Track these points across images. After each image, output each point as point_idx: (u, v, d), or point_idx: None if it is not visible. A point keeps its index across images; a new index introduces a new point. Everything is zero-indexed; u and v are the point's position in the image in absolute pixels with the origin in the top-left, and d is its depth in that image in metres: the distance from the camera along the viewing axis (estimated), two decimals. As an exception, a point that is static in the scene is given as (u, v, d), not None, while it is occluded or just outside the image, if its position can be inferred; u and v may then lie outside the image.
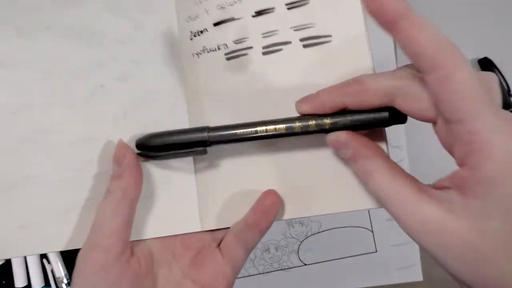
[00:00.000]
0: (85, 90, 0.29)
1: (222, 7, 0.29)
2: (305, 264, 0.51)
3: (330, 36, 0.28)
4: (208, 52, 0.30)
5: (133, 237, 0.28)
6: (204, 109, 0.30)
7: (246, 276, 0.51)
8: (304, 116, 0.25)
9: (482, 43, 0.52)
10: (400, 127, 0.51)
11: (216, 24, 0.30)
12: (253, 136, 0.26)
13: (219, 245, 0.29)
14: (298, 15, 0.28)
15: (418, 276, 0.51)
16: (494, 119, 0.19)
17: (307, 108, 0.25)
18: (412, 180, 0.22)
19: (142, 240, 0.29)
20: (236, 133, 0.26)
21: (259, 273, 0.51)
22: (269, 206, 0.27)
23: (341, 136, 0.24)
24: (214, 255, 0.29)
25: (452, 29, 0.52)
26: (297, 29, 0.28)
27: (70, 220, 0.28)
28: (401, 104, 0.23)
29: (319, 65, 0.28)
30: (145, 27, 0.31)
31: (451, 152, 0.22)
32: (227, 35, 0.29)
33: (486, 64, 0.51)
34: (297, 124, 0.25)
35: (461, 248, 0.20)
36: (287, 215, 0.28)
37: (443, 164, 0.56)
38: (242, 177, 0.29)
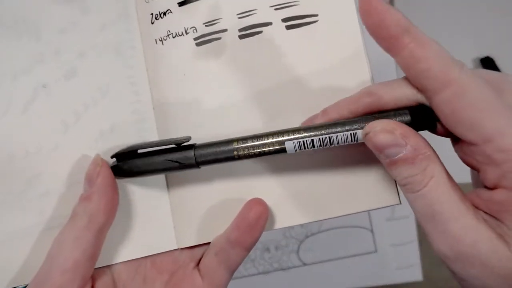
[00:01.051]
0: (24, 92, 0.25)
1: None
2: (305, 264, 0.51)
3: (316, 15, 0.24)
4: (173, 37, 0.25)
5: (97, 264, 0.23)
6: (173, 108, 0.25)
7: (246, 276, 0.51)
8: (296, 129, 0.22)
9: (484, 42, 0.52)
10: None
11: (181, 4, 0.25)
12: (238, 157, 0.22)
13: (198, 264, 0.25)
14: None
15: (418, 276, 0.51)
16: None
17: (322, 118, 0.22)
18: (467, 198, 0.19)
19: (107, 268, 0.25)
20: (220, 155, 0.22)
21: (259, 273, 0.51)
22: (255, 219, 0.23)
23: (396, 129, 0.19)
24: (192, 278, 0.24)
25: (453, 28, 0.52)
26: (279, 7, 0.24)
27: (15, 251, 0.24)
28: (437, 104, 0.19)
29: (304, 50, 0.24)
30: (92, 10, 0.25)
31: (478, 173, 0.19)
32: (196, 17, 0.25)
33: (488, 63, 0.51)
34: (288, 136, 0.21)
35: (507, 280, 0.18)
36: (277, 225, 0.24)
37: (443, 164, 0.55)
38: (221, 184, 0.25)
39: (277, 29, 0.24)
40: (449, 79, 0.18)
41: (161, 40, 0.25)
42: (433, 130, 0.21)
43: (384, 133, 0.19)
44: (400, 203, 0.24)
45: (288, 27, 0.24)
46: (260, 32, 0.24)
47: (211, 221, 0.25)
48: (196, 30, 0.25)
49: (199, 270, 0.25)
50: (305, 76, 0.24)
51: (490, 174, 0.18)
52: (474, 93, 0.17)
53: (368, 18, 0.19)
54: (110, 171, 0.23)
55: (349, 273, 0.51)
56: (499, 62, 0.50)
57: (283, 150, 0.21)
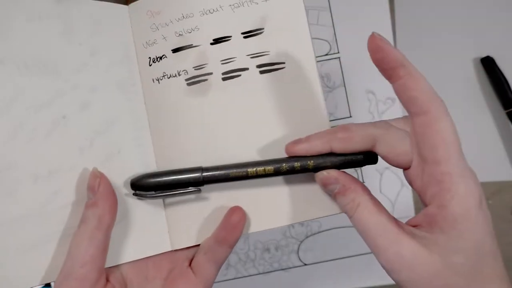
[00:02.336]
0: (46, 122, 0.28)
1: (180, 34, 0.30)
2: (305, 264, 0.51)
3: (284, 63, 0.30)
4: (168, 77, 0.30)
5: (107, 264, 0.28)
6: (167, 137, 0.31)
7: (246, 276, 0.51)
8: (289, 158, 0.27)
9: (484, 42, 0.52)
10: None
11: (175, 51, 0.31)
12: (244, 176, 0.27)
13: (190, 263, 0.30)
14: (254, 44, 0.30)
15: (418, 276, 0.51)
16: (463, 164, 0.23)
17: (298, 150, 0.27)
18: (392, 217, 0.25)
19: (116, 266, 0.29)
20: (229, 174, 0.28)
21: (259, 273, 0.51)
22: (237, 221, 0.29)
23: (331, 173, 0.26)
24: (187, 274, 0.30)
25: (454, 28, 0.52)
26: (253, 56, 0.30)
27: (44, 254, 0.28)
28: (379, 149, 0.26)
29: (274, 90, 0.30)
30: (100, 53, 0.30)
31: (421, 193, 0.25)
32: (187, 61, 0.30)
33: (488, 63, 0.51)
34: (284, 166, 0.27)
35: (431, 281, 0.22)
36: (252, 229, 0.30)
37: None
38: (208, 196, 0.30)
39: (253, 73, 0.30)
40: (429, 109, 0.24)
41: (158, 80, 0.31)
42: (375, 163, 0.27)
43: (325, 175, 0.26)
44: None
45: (261, 72, 0.30)
46: (239, 75, 0.30)
47: (199, 226, 0.30)
48: (187, 72, 0.30)
49: (191, 268, 0.30)
50: (273, 111, 0.29)
51: (428, 193, 0.24)
52: (442, 124, 0.24)
53: (375, 54, 0.25)
54: (108, 180, 0.28)
55: (349, 273, 0.51)
56: (499, 62, 0.50)
57: (261, 175, 0.28)
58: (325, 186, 0.27)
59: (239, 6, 0.30)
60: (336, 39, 0.52)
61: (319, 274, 0.51)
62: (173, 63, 0.30)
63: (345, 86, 0.52)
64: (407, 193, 0.49)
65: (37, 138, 0.28)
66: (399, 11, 0.52)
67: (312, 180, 0.29)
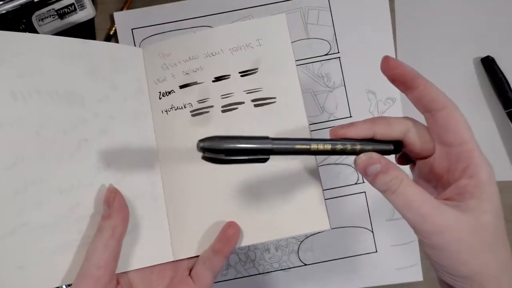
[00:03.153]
0: (71, 144, 0.33)
1: (186, 73, 0.36)
2: (305, 264, 0.51)
3: (275, 98, 0.35)
4: (175, 109, 0.35)
5: (117, 271, 0.32)
6: (174, 159, 0.35)
7: (246, 276, 0.51)
8: (343, 140, 0.30)
9: (484, 42, 0.52)
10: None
11: (182, 87, 0.35)
12: (306, 151, 0.29)
13: (190, 272, 0.34)
14: (249, 81, 0.35)
15: (418, 276, 0.51)
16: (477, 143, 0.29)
17: (346, 132, 0.30)
18: (427, 192, 0.27)
19: (124, 272, 0.33)
20: (294, 146, 0.29)
21: (259, 273, 0.51)
22: (232, 235, 0.33)
23: (373, 155, 0.29)
24: (187, 282, 0.34)
25: (454, 28, 0.52)
26: (249, 92, 0.35)
27: (65, 258, 0.31)
28: (411, 138, 0.29)
29: (266, 121, 0.35)
30: (119, 87, 0.35)
31: (448, 173, 0.29)
32: (191, 96, 0.35)
33: (488, 63, 0.51)
34: (338, 146, 0.30)
35: (468, 239, 0.25)
36: (245, 242, 0.34)
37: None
38: (207, 212, 0.35)
39: (248, 106, 0.35)
40: (447, 104, 0.28)
41: (166, 111, 0.36)
42: (400, 152, 0.31)
43: (368, 156, 0.29)
44: (331, 229, 0.36)
45: (255, 105, 0.35)
46: (236, 108, 0.35)
47: (199, 239, 0.34)
48: (191, 105, 0.35)
49: (191, 276, 0.34)
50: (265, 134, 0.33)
51: (458, 169, 0.28)
52: (458, 114, 0.28)
53: (392, 70, 0.30)
54: (122, 195, 0.32)
55: (349, 273, 0.51)
56: (499, 62, 0.50)
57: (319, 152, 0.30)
58: (367, 167, 0.28)
59: (237, 50, 0.35)
60: (336, 39, 0.52)
61: (319, 274, 0.51)
62: (180, 97, 0.35)
63: (345, 86, 0.52)
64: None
65: (63, 157, 0.32)
66: (399, 11, 0.52)
67: (303, 197, 0.34)
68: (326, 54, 0.52)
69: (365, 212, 0.51)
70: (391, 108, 0.51)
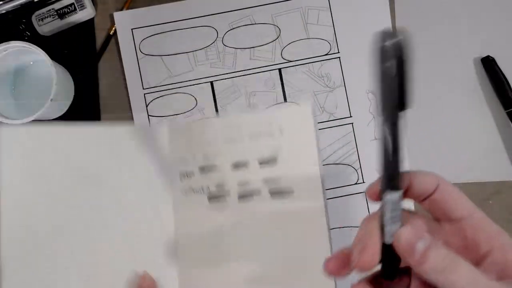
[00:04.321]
0: (96, 226, 0.34)
1: (206, 156, 0.35)
2: (305, 264, 0.51)
3: (293, 191, 0.34)
4: (194, 192, 0.35)
5: None
6: (191, 243, 0.35)
7: (246, 276, 0.51)
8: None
9: (484, 42, 0.52)
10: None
11: (201, 169, 0.35)
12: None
13: None
14: (268, 170, 0.34)
15: (418, 276, 0.50)
16: None
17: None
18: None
19: None
20: None
21: (259, 273, 0.51)
22: None
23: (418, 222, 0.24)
24: None
25: (454, 28, 0.52)
26: (266, 181, 0.34)
27: None
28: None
29: (283, 214, 0.34)
30: (144, 168, 0.36)
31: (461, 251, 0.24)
32: (210, 180, 0.35)
33: (488, 63, 0.51)
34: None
35: None
36: None
37: (442, 164, 0.56)
38: (217, 275, 0.35)
39: (265, 197, 0.34)
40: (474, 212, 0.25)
41: (185, 192, 0.36)
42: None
43: (411, 229, 0.22)
44: None
45: (272, 196, 0.34)
46: (253, 197, 0.34)
47: None
48: (209, 190, 0.35)
49: None
50: (279, 235, 0.33)
51: (479, 242, 0.24)
52: (454, 189, 0.25)
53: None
54: (153, 281, 0.34)
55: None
56: (499, 62, 0.50)
57: None
58: (413, 246, 0.22)
59: (257, 137, 0.35)
60: (336, 39, 0.52)
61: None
62: (199, 180, 0.35)
63: (345, 86, 0.52)
64: (407, 193, 0.49)
65: (80, 232, 0.34)
66: (399, 11, 0.52)
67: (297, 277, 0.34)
68: (326, 54, 0.52)
69: (365, 212, 0.51)
70: (391, 108, 0.51)
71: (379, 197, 0.24)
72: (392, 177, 0.22)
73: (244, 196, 0.34)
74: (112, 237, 0.34)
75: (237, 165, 0.35)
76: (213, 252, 0.35)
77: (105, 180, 0.35)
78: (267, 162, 0.34)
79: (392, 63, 0.18)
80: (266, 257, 0.34)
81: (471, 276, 0.21)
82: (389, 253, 0.23)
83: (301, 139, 0.34)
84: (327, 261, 0.26)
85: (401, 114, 0.20)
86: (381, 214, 0.23)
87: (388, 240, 0.23)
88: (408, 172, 0.24)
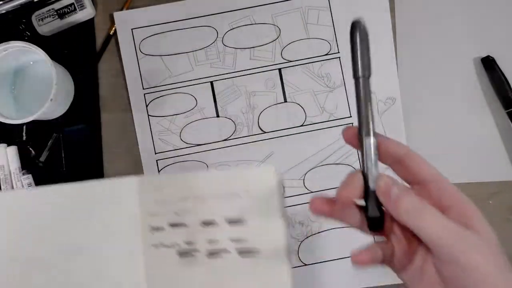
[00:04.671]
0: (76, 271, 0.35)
1: (176, 213, 0.36)
2: (305, 264, 0.51)
3: (259, 250, 0.34)
4: (164, 247, 0.36)
5: None
6: None
7: (246, 276, 0.51)
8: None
9: (484, 42, 0.52)
10: (400, 126, 0.51)
11: (171, 225, 0.36)
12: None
13: None
14: (236, 230, 0.35)
15: (418, 276, 0.50)
16: None
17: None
18: None
19: None
20: None
21: (259, 273, 0.51)
22: None
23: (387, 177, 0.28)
24: None
25: (454, 28, 0.52)
26: (234, 241, 0.35)
27: None
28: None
29: (251, 274, 0.35)
30: (115, 226, 0.36)
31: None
32: (179, 237, 0.36)
33: (488, 63, 0.51)
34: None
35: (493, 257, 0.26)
36: None
37: (443, 164, 0.56)
38: None
39: (233, 256, 0.35)
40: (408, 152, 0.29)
41: (156, 247, 0.36)
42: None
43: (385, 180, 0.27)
44: None
45: (241, 256, 0.35)
46: (222, 256, 0.35)
47: None
48: (179, 246, 0.36)
49: None
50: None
51: (443, 202, 0.27)
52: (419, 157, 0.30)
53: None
54: None
55: (349, 273, 0.51)
56: (499, 62, 0.50)
57: None
58: (388, 189, 0.28)
59: (225, 198, 0.36)
60: (336, 39, 0.52)
61: (319, 274, 0.51)
62: (169, 235, 0.36)
63: (345, 86, 0.52)
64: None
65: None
66: (399, 11, 0.52)
67: None
68: (326, 54, 0.52)
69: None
70: (391, 108, 0.51)
71: (355, 141, 0.28)
72: (368, 124, 0.27)
73: (213, 253, 0.35)
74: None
75: (206, 223, 0.36)
76: None
77: (79, 248, 0.36)
78: (234, 221, 0.35)
79: (361, 36, 0.27)
80: None
81: (440, 220, 0.25)
82: (372, 200, 0.28)
83: (267, 201, 0.35)
84: (312, 200, 0.30)
85: (369, 75, 0.27)
86: (363, 158, 0.28)
87: (371, 185, 0.27)
88: (382, 136, 0.28)
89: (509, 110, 0.50)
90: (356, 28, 0.27)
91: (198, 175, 0.37)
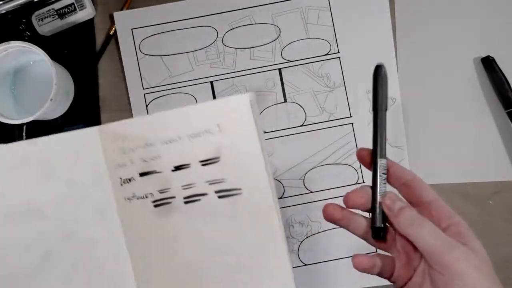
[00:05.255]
0: (34, 260, 0.33)
1: (145, 160, 0.33)
2: (305, 264, 0.51)
3: (240, 189, 0.31)
4: (137, 198, 0.33)
5: None
6: (142, 253, 0.34)
7: (246, 276, 0.51)
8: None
9: (484, 42, 0.52)
10: (401, 126, 0.51)
11: (141, 175, 0.33)
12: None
13: None
14: (212, 171, 0.32)
15: (418, 276, 0.51)
16: None
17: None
18: None
19: None
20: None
21: (259, 273, 0.51)
22: None
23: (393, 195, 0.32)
24: None
25: (454, 28, 0.52)
26: (212, 183, 0.32)
27: None
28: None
29: (232, 214, 0.32)
30: (77, 181, 0.34)
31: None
32: (152, 185, 0.33)
33: (488, 63, 0.51)
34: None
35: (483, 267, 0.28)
36: None
37: (443, 164, 0.56)
38: None
39: (212, 198, 0.32)
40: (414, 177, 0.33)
41: (129, 199, 0.34)
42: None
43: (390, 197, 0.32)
44: None
45: (219, 197, 0.32)
46: (199, 200, 0.32)
47: None
48: (153, 195, 0.33)
49: None
50: (229, 237, 0.32)
51: (441, 222, 0.31)
52: (422, 181, 0.33)
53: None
54: None
55: (349, 273, 0.51)
56: (499, 62, 0.50)
57: None
58: (393, 203, 0.31)
59: (195, 136, 0.32)
60: (336, 39, 0.52)
61: (319, 274, 0.51)
62: (141, 186, 0.33)
63: (345, 86, 0.52)
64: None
65: (30, 277, 0.33)
66: (399, 11, 0.52)
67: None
68: (326, 54, 0.52)
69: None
70: (391, 108, 0.51)
71: (368, 162, 0.33)
72: (381, 148, 0.32)
73: (190, 199, 0.32)
74: (56, 266, 0.33)
75: (178, 168, 0.33)
76: (166, 258, 0.33)
77: (39, 207, 0.33)
78: (209, 162, 0.32)
79: (383, 77, 0.33)
80: (219, 259, 0.33)
81: (435, 231, 0.29)
82: (377, 212, 0.32)
83: (242, 134, 0.31)
84: (326, 207, 0.33)
85: (386, 109, 0.33)
86: (374, 175, 0.32)
87: (378, 199, 0.32)
88: (392, 161, 0.33)
89: (509, 110, 0.50)
90: (379, 71, 0.33)
91: (162, 114, 0.33)
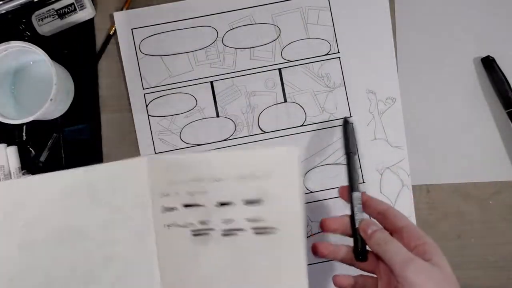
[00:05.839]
0: (80, 279, 0.35)
1: (190, 194, 0.35)
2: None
3: (276, 228, 0.34)
4: (177, 226, 0.35)
5: None
6: (174, 276, 0.36)
7: (246, 276, 0.51)
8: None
9: (484, 42, 0.52)
10: (401, 126, 0.51)
11: (186, 206, 0.35)
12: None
13: None
14: (252, 210, 0.34)
15: (418, 276, 0.50)
16: None
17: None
18: None
19: None
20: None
21: (259, 273, 0.51)
22: None
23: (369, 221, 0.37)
24: None
25: (454, 28, 0.52)
26: (251, 220, 0.34)
27: None
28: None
29: (266, 251, 0.34)
30: (121, 208, 0.36)
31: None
32: (193, 217, 0.35)
33: (488, 63, 0.51)
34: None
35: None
36: None
37: (443, 164, 0.56)
38: None
39: (248, 234, 0.35)
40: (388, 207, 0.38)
41: (168, 226, 0.36)
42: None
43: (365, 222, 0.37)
44: None
45: (256, 233, 0.34)
46: (236, 234, 0.35)
47: None
48: (193, 225, 0.35)
49: None
50: (261, 269, 0.35)
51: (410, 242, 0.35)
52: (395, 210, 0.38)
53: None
54: None
55: (349, 273, 0.51)
56: (499, 62, 0.50)
57: None
58: (367, 227, 0.37)
59: (243, 179, 0.34)
60: (336, 39, 0.52)
61: (319, 274, 0.51)
62: (183, 216, 0.35)
63: (345, 86, 0.52)
64: (407, 193, 0.49)
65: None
66: (399, 11, 0.52)
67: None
68: (326, 54, 0.52)
69: (365, 212, 0.51)
70: (391, 108, 0.51)
71: (347, 197, 0.39)
72: (354, 182, 0.40)
73: (228, 232, 0.35)
74: (97, 285, 0.35)
75: (222, 204, 0.35)
76: (194, 281, 0.35)
77: (86, 231, 0.35)
78: (252, 203, 0.34)
79: (350, 129, 0.44)
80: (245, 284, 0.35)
81: (398, 248, 0.33)
82: (357, 236, 0.37)
83: (287, 183, 0.34)
84: (314, 245, 0.38)
85: (356, 153, 0.42)
86: (351, 206, 0.38)
87: (357, 225, 0.37)
88: (368, 195, 0.39)
89: (509, 110, 0.50)
90: (347, 124, 0.44)
91: (213, 155, 0.36)
